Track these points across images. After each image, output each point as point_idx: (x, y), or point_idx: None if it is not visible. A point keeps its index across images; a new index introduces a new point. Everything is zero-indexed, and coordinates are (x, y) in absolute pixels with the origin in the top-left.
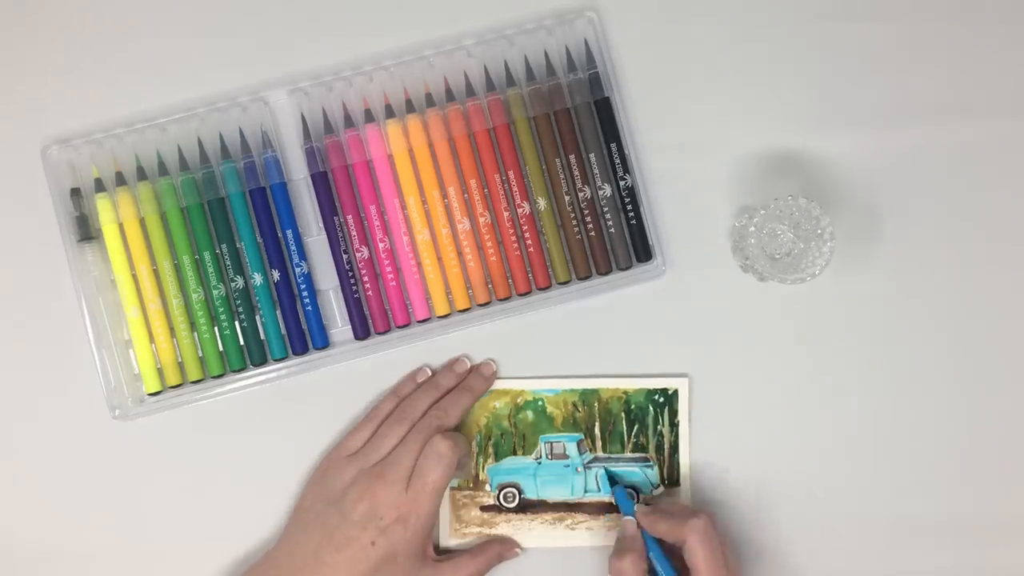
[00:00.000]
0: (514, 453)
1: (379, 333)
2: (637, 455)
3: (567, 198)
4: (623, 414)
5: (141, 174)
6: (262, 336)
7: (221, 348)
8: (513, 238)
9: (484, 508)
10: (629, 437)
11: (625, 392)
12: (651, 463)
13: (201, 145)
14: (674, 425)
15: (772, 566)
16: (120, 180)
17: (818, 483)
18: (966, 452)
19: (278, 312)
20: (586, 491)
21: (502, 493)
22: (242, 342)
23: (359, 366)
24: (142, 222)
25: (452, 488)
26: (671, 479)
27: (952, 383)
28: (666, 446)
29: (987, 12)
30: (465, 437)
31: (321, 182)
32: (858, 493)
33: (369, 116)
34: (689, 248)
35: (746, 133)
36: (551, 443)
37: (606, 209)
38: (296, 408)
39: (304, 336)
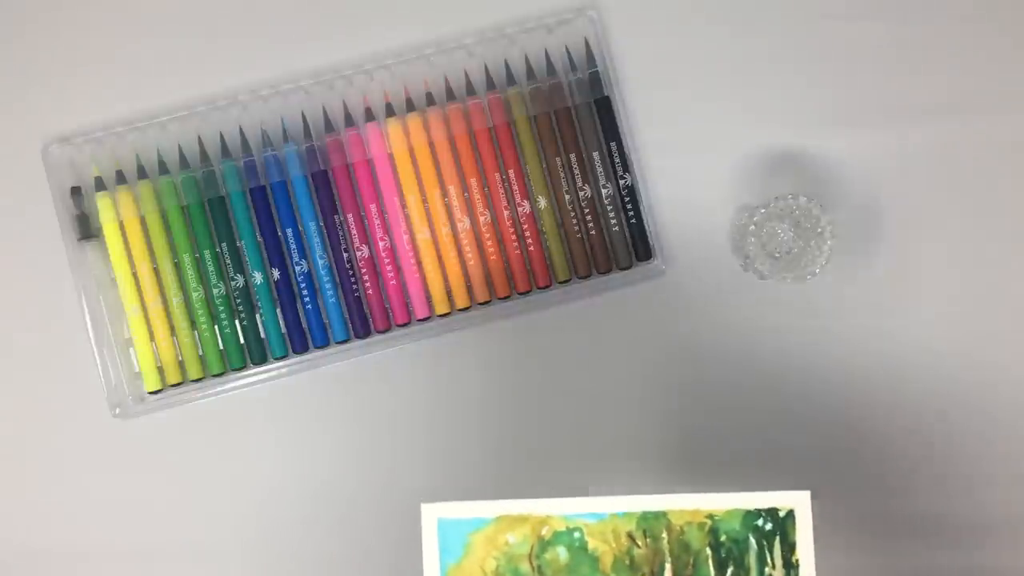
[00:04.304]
0: None
1: (379, 332)
2: None
3: (567, 197)
4: (709, 550)
5: (142, 172)
6: (262, 335)
7: (221, 346)
8: (513, 237)
9: None
10: None
11: (710, 516)
12: None
13: (201, 143)
14: (792, 566)
15: None
16: (121, 178)
17: (823, 480)
18: (966, 452)
19: (278, 311)
20: None
21: None
22: (242, 340)
23: (360, 364)
24: (143, 220)
25: None
26: None
27: (952, 382)
28: None
29: (987, 12)
30: None
31: (322, 181)
32: (858, 493)
33: (370, 115)
34: (689, 247)
35: (746, 132)
36: None
37: (607, 208)
38: (296, 407)
39: (304, 335)
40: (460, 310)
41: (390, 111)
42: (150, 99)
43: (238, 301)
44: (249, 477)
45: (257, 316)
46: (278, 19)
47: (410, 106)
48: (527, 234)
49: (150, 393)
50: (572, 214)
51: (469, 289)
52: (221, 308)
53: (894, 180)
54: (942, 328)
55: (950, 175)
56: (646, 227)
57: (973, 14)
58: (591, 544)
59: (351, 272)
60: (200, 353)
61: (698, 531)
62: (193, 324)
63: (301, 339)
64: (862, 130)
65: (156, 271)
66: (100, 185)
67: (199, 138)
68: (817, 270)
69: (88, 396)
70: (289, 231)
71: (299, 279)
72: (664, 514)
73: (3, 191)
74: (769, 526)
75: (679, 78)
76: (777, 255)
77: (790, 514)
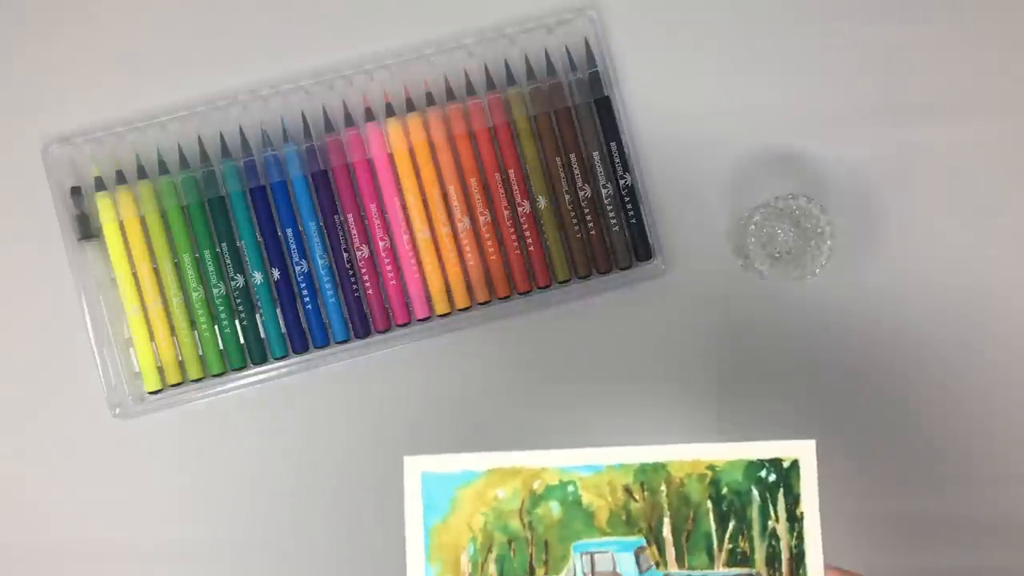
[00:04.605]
0: (531, 573)
1: (379, 332)
2: (736, 572)
3: (567, 197)
4: (709, 503)
5: (142, 172)
6: (262, 334)
7: (221, 346)
8: (513, 237)
9: None
10: (722, 542)
11: (711, 467)
12: None
13: (201, 143)
14: (796, 519)
15: None
16: (121, 178)
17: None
18: (967, 451)
19: (278, 311)
20: None
21: None
22: (242, 340)
23: (359, 364)
24: (142, 220)
25: None
26: None
27: (952, 382)
28: (783, 554)
29: (987, 12)
30: None
31: (322, 181)
32: (857, 491)
33: (370, 115)
34: (689, 248)
35: (746, 133)
36: (592, 555)
37: (607, 208)
38: (296, 406)
39: (304, 334)
40: (460, 310)
41: (390, 111)
42: (150, 99)
43: (238, 301)
44: (249, 477)
45: (257, 316)
46: (278, 19)
47: (410, 106)
48: (527, 234)
49: (150, 393)
50: (572, 214)
51: (469, 289)
52: (221, 308)
53: (894, 180)
54: (942, 328)
55: (950, 175)
56: (646, 227)
57: (973, 14)
58: (585, 498)
59: (351, 272)
60: (200, 353)
61: (698, 483)
62: (193, 324)
63: (301, 339)
64: (862, 130)
65: (156, 271)
66: (100, 185)
67: (199, 138)
68: (817, 270)
69: (88, 396)
70: (289, 231)
71: (299, 279)
72: (663, 466)
73: (3, 191)
74: (773, 477)
75: (679, 78)
76: (777, 255)
77: (794, 465)
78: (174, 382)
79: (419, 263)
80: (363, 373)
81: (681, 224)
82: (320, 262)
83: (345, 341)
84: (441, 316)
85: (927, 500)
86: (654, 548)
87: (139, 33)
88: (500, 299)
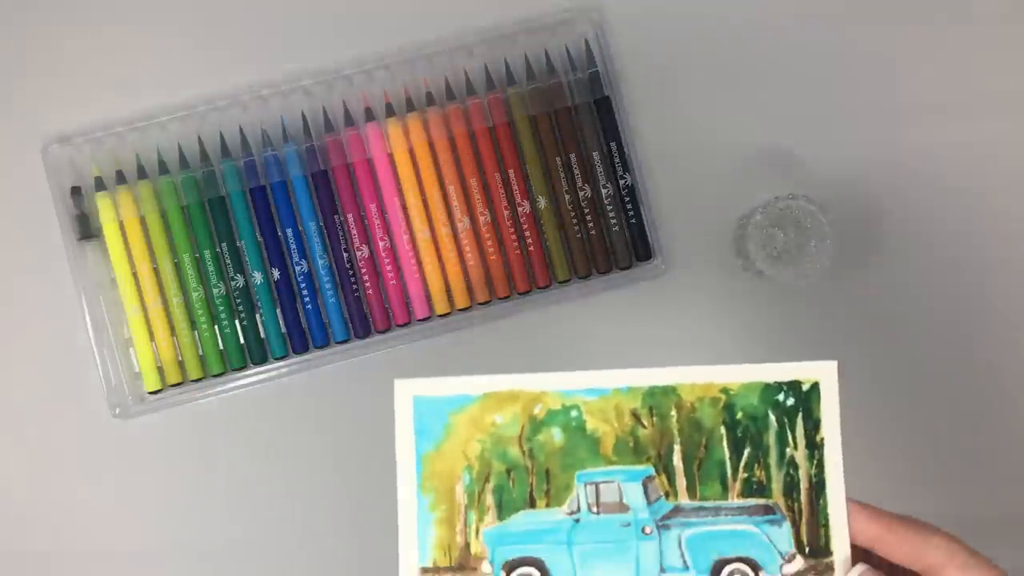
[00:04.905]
0: (531, 505)
1: (379, 332)
2: (751, 502)
3: (567, 197)
4: (723, 429)
5: (142, 172)
6: (262, 334)
7: (221, 346)
8: (513, 237)
9: None
10: (736, 470)
11: (725, 390)
12: (777, 516)
13: (201, 143)
14: (816, 446)
15: None
16: (120, 178)
17: None
18: (967, 451)
19: (278, 311)
20: (663, 570)
21: None
22: (242, 340)
23: (359, 364)
24: (142, 220)
25: (423, 569)
26: (815, 543)
27: (952, 381)
28: (802, 483)
29: (987, 12)
30: None
31: (322, 181)
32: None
33: (370, 115)
34: (689, 248)
35: (746, 133)
36: (596, 485)
37: (607, 208)
38: (296, 406)
39: (304, 335)
40: (460, 310)
41: (390, 111)
42: (150, 99)
43: (238, 301)
44: (249, 477)
45: (257, 316)
46: (278, 19)
47: (410, 106)
48: (527, 234)
49: (150, 393)
50: (572, 214)
51: (469, 289)
52: (221, 308)
53: (894, 180)
54: (942, 327)
55: (950, 175)
56: (646, 227)
57: (973, 14)
58: (590, 424)
59: (351, 272)
60: (200, 353)
61: (711, 408)
62: (193, 324)
63: (301, 339)
64: (862, 130)
65: (156, 271)
66: (100, 185)
67: (199, 138)
68: (817, 270)
69: (88, 396)
70: (289, 231)
71: (299, 279)
72: (673, 389)
73: (3, 191)
74: (791, 401)
75: (679, 78)
76: (777, 255)
77: (814, 387)
78: (174, 382)
79: (419, 263)
80: (363, 373)
81: (681, 224)
82: (320, 262)
83: (345, 341)
84: (441, 316)
85: (926, 498)
86: (663, 477)
87: (139, 33)
88: (500, 299)
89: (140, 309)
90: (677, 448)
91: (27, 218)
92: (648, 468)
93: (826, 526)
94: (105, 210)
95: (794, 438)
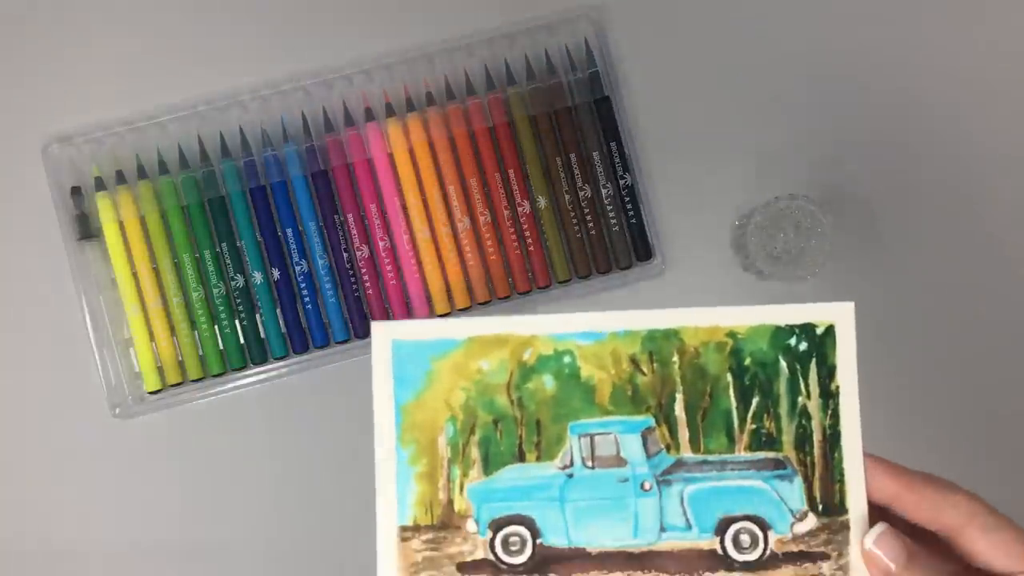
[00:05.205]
0: (520, 459)
1: None
2: (760, 456)
3: (567, 197)
4: (730, 377)
5: (141, 172)
6: (262, 334)
7: (221, 346)
8: (513, 237)
9: (466, 567)
10: (744, 421)
11: (732, 334)
12: (788, 470)
13: (201, 143)
14: (830, 395)
15: None
16: (120, 178)
17: None
18: (967, 451)
19: (278, 310)
20: (663, 529)
21: (500, 537)
22: (242, 340)
23: (360, 364)
24: (142, 220)
25: (403, 528)
26: (830, 501)
27: (952, 381)
28: (815, 435)
29: (987, 12)
30: None
31: (321, 180)
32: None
33: (369, 114)
34: (689, 248)
35: (746, 132)
36: (591, 437)
37: (607, 208)
38: (296, 407)
39: (304, 334)
40: (460, 310)
41: (390, 111)
42: (150, 99)
43: (238, 301)
44: (249, 477)
45: (257, 316)
46: (278, 19)
47: (410, 106)
48: (527, 234)
49: (150, 393)
50: (572, 214)
51: (469, 289)
52: (221, 308)
53: (894, 180)
54: (941, 327)
55: (950, 175)
56: (646, 227)
57: (973, 14)
58: (584, 370)
59: (351, 272)
60: (200, 353)
61: (716, 353)
62: (193, 324)
63: (301, 339)
64: (862, 130)
65: (156, 271)
66: (100, 185)
67: (199, 138)
68: (817, 270)
69: (88, 396)
70: (289, 231)
71: (299, 279)
72: (675, 332)
73: (3, 191)
74: (804, 346)
75: (679, 78)
76: (777, 255)
77: (829, 331)
78: (174, 382)
79: (419, 263)
80: (363, 373)
81: (681, 224)
82: (320, 262)
83: (345, 341)
84: (441, 316)
85: None
86: (664, 429)
87: (139, 33)
88: (500, 299)
89: (140, 309)
90: (679, 397)
91: (27, 218)
92: (648, 419)
93: (841, 482)
94: (105, 210)
95: (807, 386)
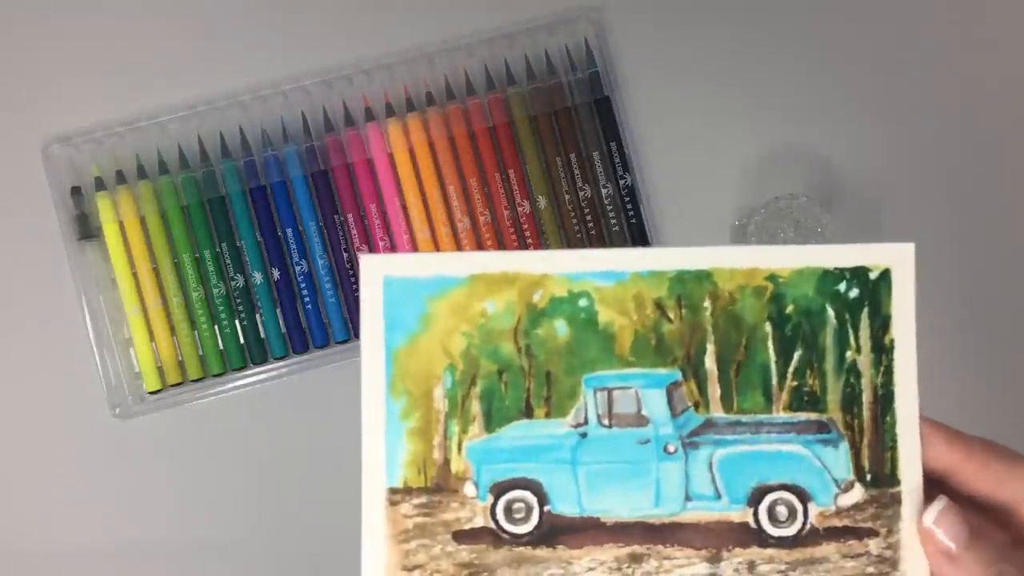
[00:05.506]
0: (527, 415)
1: None
2: (801, 418)
3: (567, 197)
4: (769, 326)
5: (141, 172)
6: (262, 334)
7: (221, 346)
8: (513, 237)
9: (462, 535)
10: (783, 378)
11: (772, 278)
12: (833, 434)
13: (201, 143)
14: (884, 350)
15: None
16: (120, 178)
17: None
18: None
19: (278, 311)
20: (689, 498)
21: (502, 503)
22: (242, 340)
23: (359, 364)
24: (142, 220)
25: (391, 490)
26: (879, 470)
27: (952, 381)
28: (865, 395)
29: (987, 12)
30: None
31: (322, 181)
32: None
33: (369, 114)
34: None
35: (746, 132)
36: (609, 391)
37: (607, 208)
38: (296, 407)
39: (304, 335)
40: None
41: (390, 111)
42: (150, 99)
43: (238, 301)
44: (249, 477)
45: (257, 316)
46: (278, 19)
47: (410, 106)
48: (527, 234)
49: (150, 393)
50: (572, 214)
51: None
52: (221, 308)
53: (894, 180)
54: (941, 326)
55: (950, 174)
56: (646, 227)
57: (973, 14)
58: (603, 316)
59: (351, 272)
60: (200, 353)
61: (754, 299)
62: (193, 324)
63: (301, 339)
64: (862, 130)
65: (156, 271)
66: (100, 185)
67: (199, 138)
68: None
69: (88, 396)
70: (289, 231)
71: (299, 279)
72: (708, 275)
73: (3, 191)
74: (855, 293)
75: (679, 78)
76: None
77: (884, 276)
78: (174, 382)
79: None
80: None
81: (681, 224)
82: (320, 262)
83: (345, 341)
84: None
85: None
86: (692, 384)
87: (139, 33)
88: None
89: (140, 309)
90: (710, 348)
91: (27, 218)
92: (674, 372)
93: (893, 449)
94: (105, 210)
95: (857, 339)
